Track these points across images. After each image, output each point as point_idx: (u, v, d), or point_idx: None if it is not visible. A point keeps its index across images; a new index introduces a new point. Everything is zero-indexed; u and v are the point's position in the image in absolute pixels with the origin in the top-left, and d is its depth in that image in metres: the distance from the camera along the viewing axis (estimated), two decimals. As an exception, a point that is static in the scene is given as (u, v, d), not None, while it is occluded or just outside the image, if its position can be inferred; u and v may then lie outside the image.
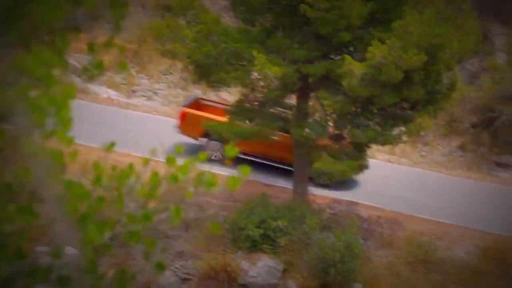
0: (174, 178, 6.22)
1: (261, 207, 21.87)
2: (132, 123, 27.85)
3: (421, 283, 21.67)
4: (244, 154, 24.07)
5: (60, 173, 5.86)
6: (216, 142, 24.84)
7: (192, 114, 25.56)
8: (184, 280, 21.59)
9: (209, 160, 23.89)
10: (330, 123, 21.84)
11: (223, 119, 23.28)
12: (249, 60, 20.35)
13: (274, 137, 23.01)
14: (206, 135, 24.99)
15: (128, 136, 24.84)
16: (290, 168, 23.93)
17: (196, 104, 26.50)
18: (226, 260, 21.30)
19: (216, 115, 24.90)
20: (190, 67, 22.34)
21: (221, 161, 23.86)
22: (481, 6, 26.35)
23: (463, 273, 21.81)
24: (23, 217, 6.03)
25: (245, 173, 5.86)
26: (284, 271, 21.59)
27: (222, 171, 10.81)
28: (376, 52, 18.96)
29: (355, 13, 19.43)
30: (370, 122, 20.66)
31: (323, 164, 23.05)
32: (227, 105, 24.68)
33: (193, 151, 24.23)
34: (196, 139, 25.57)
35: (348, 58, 19.60)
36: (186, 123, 25.61)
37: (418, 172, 27.59)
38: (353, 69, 19.32)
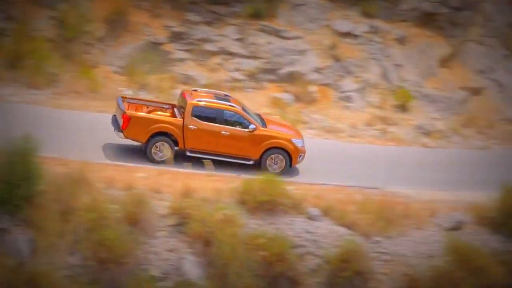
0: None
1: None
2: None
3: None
4: (193, 151, 24.60)
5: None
6: (162, 143, 24.52)
7: (138, 116, 24.47)
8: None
9: (153, 161, 24.31)
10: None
11: (170, 118, 24.56)
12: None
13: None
14: (152, 136, 24.33)
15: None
16: (246, 162, 24.70)
17: (128, 104, 25.31)
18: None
19: (158, 114, 25.11)
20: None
21: (165, 161, 24.11)
22: None
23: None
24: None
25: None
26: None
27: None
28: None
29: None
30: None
31: None
32: (157, 102, 25.82)
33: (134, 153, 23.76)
34: (142, 141, 24.58)
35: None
36: (131, 126, 24.23)
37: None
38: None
